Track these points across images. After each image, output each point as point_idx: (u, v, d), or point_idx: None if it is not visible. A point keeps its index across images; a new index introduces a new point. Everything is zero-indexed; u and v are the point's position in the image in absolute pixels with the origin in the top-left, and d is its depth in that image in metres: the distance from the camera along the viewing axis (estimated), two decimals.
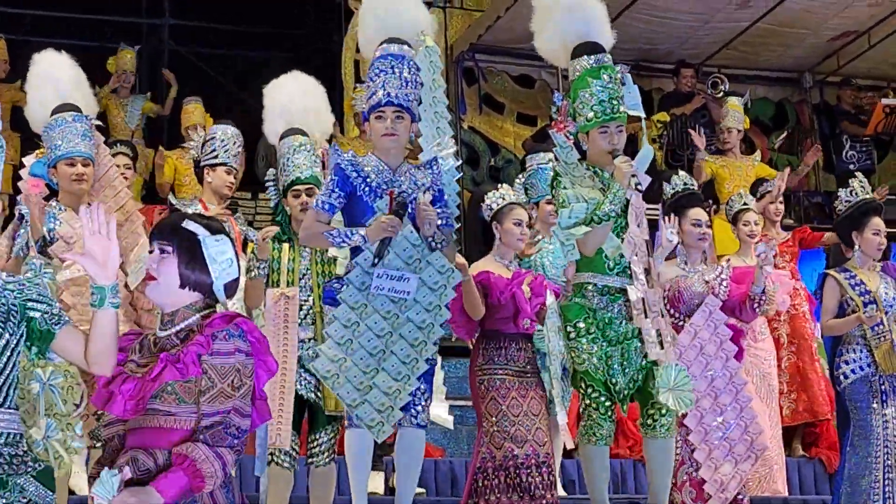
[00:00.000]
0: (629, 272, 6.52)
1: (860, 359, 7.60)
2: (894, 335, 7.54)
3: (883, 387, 7.54)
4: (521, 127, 14.48)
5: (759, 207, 9.78)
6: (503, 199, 7.15)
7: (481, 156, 14.31)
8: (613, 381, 6.43)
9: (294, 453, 6.61)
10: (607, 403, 6.46)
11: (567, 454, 8.87)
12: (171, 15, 15.37)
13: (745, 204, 9.02)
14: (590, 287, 6.54)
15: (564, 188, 6.51)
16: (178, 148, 11.90)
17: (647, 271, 6.51)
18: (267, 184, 7.15)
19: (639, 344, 6.49)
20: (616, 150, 6.51)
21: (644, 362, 6.51)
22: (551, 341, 6.89)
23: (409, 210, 5.96)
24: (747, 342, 8.27)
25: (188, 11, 15.49)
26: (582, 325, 6.51)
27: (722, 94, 13.20)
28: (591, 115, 6.52)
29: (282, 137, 7.18)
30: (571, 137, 6.61)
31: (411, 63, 6.13)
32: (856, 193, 7.91)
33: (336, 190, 5.96)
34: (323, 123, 7.56)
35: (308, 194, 6.95)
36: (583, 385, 6.58)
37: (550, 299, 6.93)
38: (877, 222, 7.77)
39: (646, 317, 6.41)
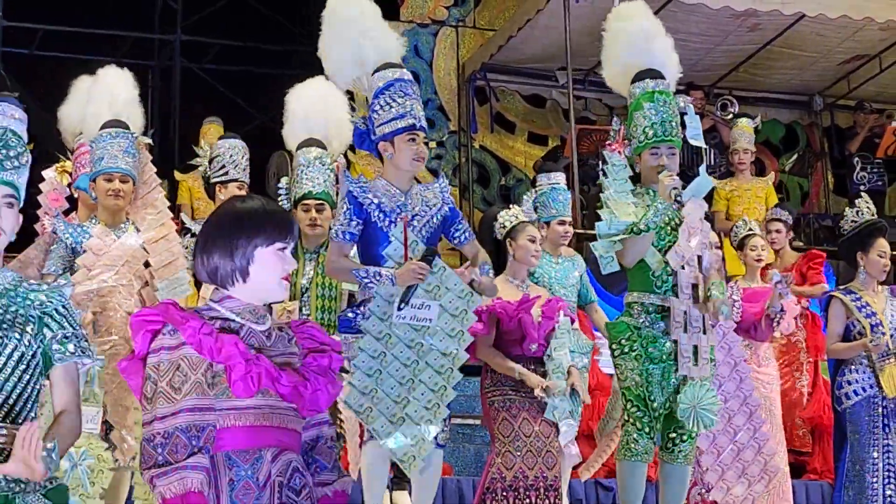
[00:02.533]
0: (677, 292, 6.48)
1: (863, 380, 7.58)
2: None
3: (886, 410, 7.53)
4: (531, 146, 14.52)
5: (770, 227, 9.97)
6: (516, 217, 7.19)
7: (492, 175, 14.33)
8: (651, 398, 6.39)
9: None
10: (645, 420, 6.40)
11: (574, 474, 8.87)
12: (184, 31, 15.40)
13: (750, 230, 9.03)
14: (636, 306, 6.50)
15: (608, 199, 6.47)
16: (192, 169, 11.90)
17: (695, 287, 6.45)
18: (279, 192, 7.13)
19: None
20: (664, 168, 6.49)
21: (677, 383, 6.46)
22: (556, 360, 6.89)
23: (426, 231, 6.01)
24: (751, 367, 8.26)
25: (200, 28, 15.52)
26: (625, 342, 6.46)
27: (731, 115, 13.20)
28: (642, 136, 6.51)
29: (300, 147, 7.17)
30: (626, 159, 6.59)
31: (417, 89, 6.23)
32: (862, 214, 7.91)
33: (354, 218, 5.98)
34: (343, 135, 7.56)
35: (318, 210, 6.97)
36: (623, 401, 6.55)
37: (565, 320, 6.95)
38: (882, 243, 7.77)
39: (685, 331, 6.38)
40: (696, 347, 6.38)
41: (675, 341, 6.36)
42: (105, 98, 7.04)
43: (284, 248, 3.72)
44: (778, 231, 10.08)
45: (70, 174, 7.59)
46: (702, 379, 6.39)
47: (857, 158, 13.67)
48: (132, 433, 6.59)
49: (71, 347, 3.76)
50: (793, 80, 14.54)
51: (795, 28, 12.85)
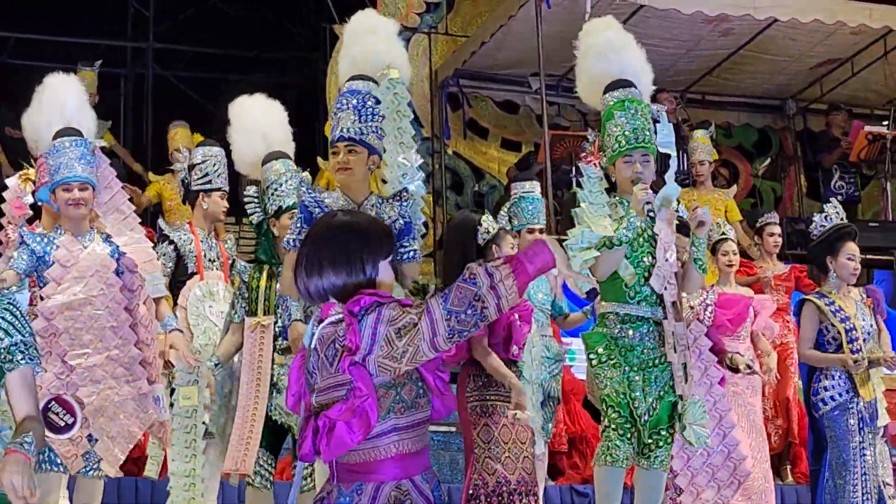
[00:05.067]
0: (651, 301, 6.47)
1: (838, 385, 7.59)
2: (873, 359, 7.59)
3: (861, 414, 7.55)
4: (505, 152, 14.51)
5: (758, 239, 10.14)
6: (496, 224, 7.19)
7: (465, 181, 14.32)
8: (636, 405, 6.38)
9: (267, 473, 6.58)
10: (627, 426, 6.38)
11: (550, 475, 8.88)
12: (156, 39, 15.36)
13: (723, 234, 9.04)
14: (611, 316, 6.48)
15: (582, 213, 6.47)
16: (168, 172, 11.83)
17: (675, 304, 6.45)
18: (247, 200, 7.08)
19: (658, 373, 6.45)
20: (638, 178, 6.48)
21: (658, 389, 6.46)
22: (534, 370, 6.88)
23: None
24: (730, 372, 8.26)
25: (172, 35, 15.49)
26: (602, 350, 6.44)
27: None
28: (615, 145, 6.50)
29: (271, 158, 7.13)
30: (602, 170, 6.59)
31: (367, 97, 6.10)
32: (830, 219, 7.92)
33: (304, 226, 5.93)
34: (293, 154, 7.54)
35: None
36: (604, 407, 6.54)
37: (533, 328, 6.94)
38: (851, 247, 7.78)
39: (675, 351, 6.37)
40: (684, 365, 6.40)
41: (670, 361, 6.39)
42: (55, 106, 6.97)
43: (391, 259, 3.84)
44: (771, 235, 10.25)
45: (34, 182, 7.55)
46: (692, 395, 6.41)
47: (835, 166, 13.68)
48: (117, 444, 6.56)
49: (18, 356, 3.74)
50: (765, 85, 14.59)
51: (767, 32, 12.88)
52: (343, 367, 3.58)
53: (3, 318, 3.75)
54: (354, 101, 6.04)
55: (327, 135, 12.59)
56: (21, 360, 3.73)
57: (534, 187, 8.17)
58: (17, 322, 3.77)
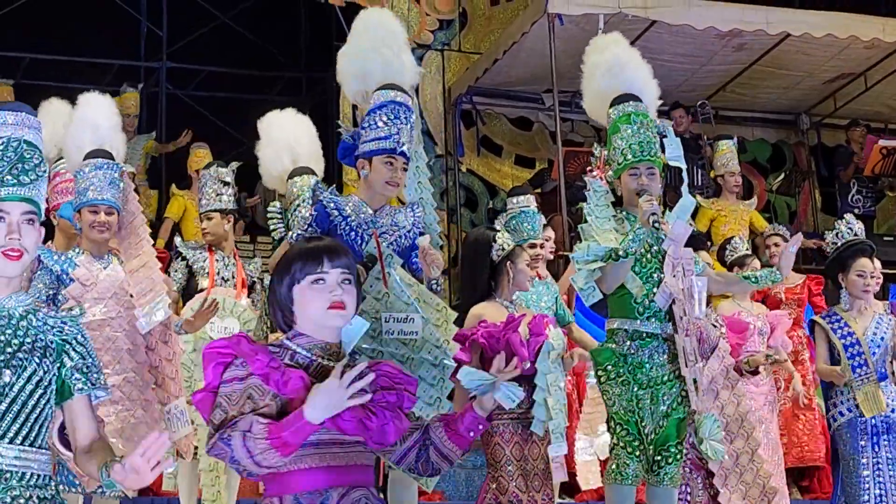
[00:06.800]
0: (660, 317, 6.47)
1: (848, 402, 7.60)
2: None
3: (875, 429, 7.53)
4: (519, 169, 14.51)
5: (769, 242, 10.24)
6: (512, 240, 7.14)
7: (479, 198, 14.32)
8: (643, 423, 6.38)
9: None
10: (635, 444, 6.38)
11: (568, 493, 8.86)
12: (169, 58, 15.40)
13: (747, 249, 9.04)
14: (620, 332, 6.48)
15: (589, 227, 6.46)
16: (189, 189, 11.83)
17: (682, 318, 6.44)
18: (270, 215, 7.07)
19: (666, 390, 6.44)
20: (644, 190, 6.47)
21: (666, 409, 6.45)
22: (551, 372, 6.85)
23: (393, 251, 5.94)
24: (747, 386, 8.26)
25: (185, 55, 15.54)
26: (611, 368, 6.44)
27: (709, 116, 13.29)
28: (621, 158, 6.50)
29: (296, 174, 7.12)
30: (608, 184, 6.59)
31: (413, 116, 6.14)
32: (842, 235, 7.92)
33: (313, 225, 5.91)
34: (319, 168, 7.54)
35: None
36: (612, 425, 6.54)
37: (555, 332, 6.91)
38: (862, 263, 7.78)
39: (686, 366, 6.36)
40: (694, 380, 6.39)
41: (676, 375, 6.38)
42: (88, 125, 6.96)
43: (320, 279, 3.75)
44: (776, 245, 10.25)
45: (47, 201, 7.54)
46: (706, 410, 6.41)
47: (853, 181, 13.65)
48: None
49: (93, 378, 3.74)
50: (779, 100, 14.57)
51: (781, 47, 12.88)
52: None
53: (76, 339, 3.74)
54: (410, 119, 6.06)
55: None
56: (94, 382, 3.74)
57: (530, 201, 8.15)
58: (87, 346, 3.77)
